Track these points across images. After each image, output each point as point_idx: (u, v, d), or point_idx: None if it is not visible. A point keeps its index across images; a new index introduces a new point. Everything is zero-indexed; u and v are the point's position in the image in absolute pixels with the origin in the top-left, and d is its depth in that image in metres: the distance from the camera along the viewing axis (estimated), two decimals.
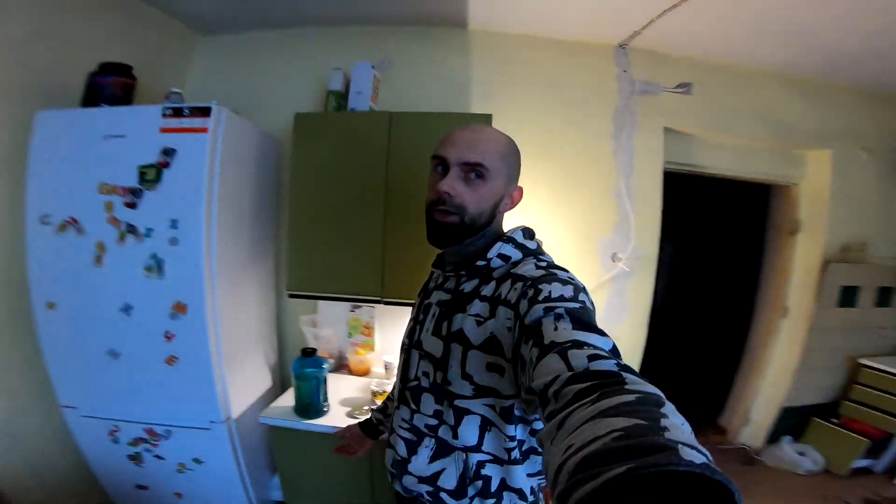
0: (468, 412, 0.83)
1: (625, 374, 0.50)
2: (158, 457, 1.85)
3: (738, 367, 3.33)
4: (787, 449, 2.96)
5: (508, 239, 0.89)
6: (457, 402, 0.84)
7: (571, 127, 2.43)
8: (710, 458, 0.36)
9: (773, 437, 3.08)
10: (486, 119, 1.88)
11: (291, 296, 1.98)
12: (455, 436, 0.85)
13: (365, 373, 2.24)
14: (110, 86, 1.81)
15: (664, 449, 0.35)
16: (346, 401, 1.95)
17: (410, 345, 0.97)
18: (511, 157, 0.91)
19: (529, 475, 0.85)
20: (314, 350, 1.80)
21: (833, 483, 2.77)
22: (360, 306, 2.26)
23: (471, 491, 0.85)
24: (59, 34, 1.84)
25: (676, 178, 2.68)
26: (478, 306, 0.83)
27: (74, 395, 1.81)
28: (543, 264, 0.83)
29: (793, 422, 3.08)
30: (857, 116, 2.74)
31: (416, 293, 1.84)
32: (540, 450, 0.82)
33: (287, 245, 2.01)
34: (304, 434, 1.77)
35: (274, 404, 1.92)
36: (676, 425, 0.40)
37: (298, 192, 1.96)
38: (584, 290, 0.75)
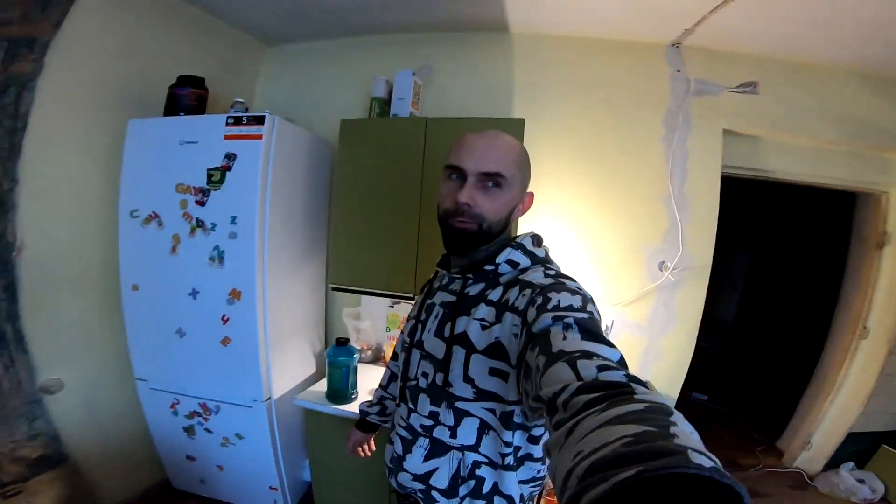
0: (468, 414, 0.84)
1: (634, 385, 0.51)
2: (208, 430, 2.09)
3: (807, 388, 3.06)
4: (845, 475, 2.73)
5: (518, 245, 0.89)
6: (457, 404, 0.85)
7: (617, 130, 2.37)
8: (719, 463, 0.36)
9: (834, 464, 2.84)
10: (519, 124, 1.91)
11: (334, 289, 2.14)
12: (453, 435, 0.86)
13: None
14: (186, 97, 2.07)
15: (673, 453, 0.35)
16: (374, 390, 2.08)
17: (411, 344, 0.98)
18: (525, 163, 0.91)
19: (522, 482, 0.86)
20: (347, 340, 1.95)
21: None
22: (399, 302, 2.39)
23: (462, 490, 0.86)
24: (146, 48, 2.12)
25: (748, 184, 2.52)
26: (483, 310, 0.84)
27: (147, 369, 2.10)
28: (552, 272, 0.83)
29: (858, 448, 2.83)
30: None
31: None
32: (536, 457, 0.85)
33: (332, 242, 2.17)
34: (331, 418, 1.93)
35: (310, 389, 2.10)
36: (685, 432, 0.40)
37: (343, 194, 2.11)
38: (591, 300, 0.76)
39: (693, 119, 2.33)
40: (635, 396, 0.47)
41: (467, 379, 0.82)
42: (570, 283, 0.78)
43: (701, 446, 0.38)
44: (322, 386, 2.08)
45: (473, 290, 0.89)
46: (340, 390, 1.92)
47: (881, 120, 2.38)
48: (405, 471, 0.93)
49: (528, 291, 0.78)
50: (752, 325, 3.53)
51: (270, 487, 2.15)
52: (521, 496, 0.87)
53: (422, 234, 2.00)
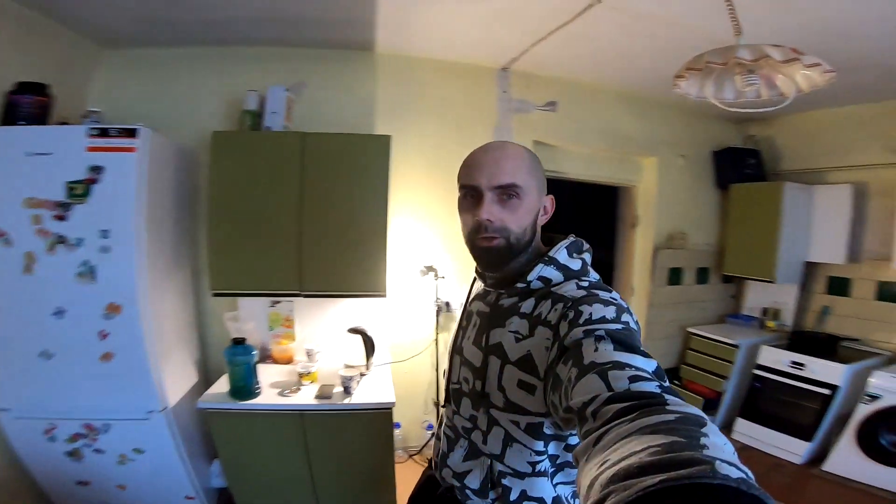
0: (497, 423, 0.86)
1: (667, 396, 0.50)
2: (98, 450, 2.00)
3: None
4: None
5: (550, 260, 0.86)
6: (492, 411, 0.86)
7: (460, 142, 2.87)
8: (751, 475, 0.35)
9: None
10: (385, 140, 2.29)
11: (216, 294, 2.23)
12: (485, 442, 0.88)
13: (288, 361, 2.54)
14: (28, 105, 1.93)
15: (700, 463, 0.35)
16: (275, 384, 2.25)
17: (454, 349, 1.02)
18: (535, 168, 0.89)
19: (562, 483, 0.86)
20: (244, 339, 2.08)
21: None
22: (279, 301, 2.55)
23: (491, 494, 0.89)
24: None
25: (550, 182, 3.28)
26: (517, 323, 0.85)
27: (8, 398, 1.92)
28: (585, 284, 0.83)
29: None
30: (676, 129, 3.55)
31: (332, 286, 2.25)
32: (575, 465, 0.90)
33: (208, 249, 2.25)
34: (240, 415, 2.05)
35: (209, 392, 2.15)
36: (717, 444, 0.39)
37: (218, 202, 2.22)
38: (627, 310, 0.75)
39: (514, 132, 3.00)
40: (667, 407, 0.47)
41: (500, 388, 0.84)
42: (603, 293, 0.77)
43: (733, 458, 0.37)
44: (220, 387, 2.16)
45: (507, 302, 0.90)
46: (245, 386, 2.05)
47: (633, 132, 3.38)
48: (448, 467, 0.97)
49: (559, 306, 0.78)
50: None
51: (186, 497, 2.15)
52: (559, 497, 0.87)
53: (304, 236, 2.24)
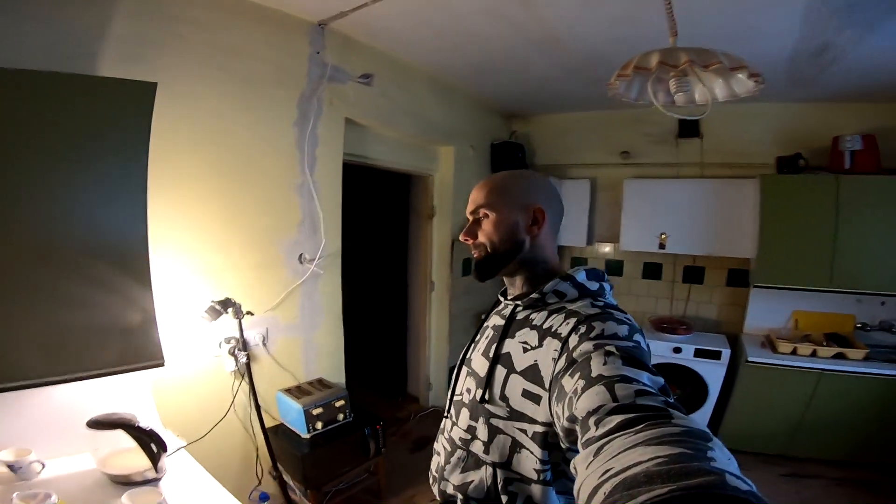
0: (501, 432, 0.85)
1: (672, 411, 0.50)
2: None
3: (406, 340, 3.79)
4: None
5: (567, 277, 0.89)
6: (492, 421, 0.87)
7: (249, 110, 2.05)
8: (756, 490, 0.35)
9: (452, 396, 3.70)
10: (148, 89, 1.41)
11: None
12: (486, 451, 0.87)
13: None
14: None
15: (709, 475, 0.34)
16: None
17: (462, 361, 1.02)
18: (509, 186, 0.96)
19: (562, 493, 0.85)
20: None
21: None
22: None
23: (497, 502, 0.87)
24: None
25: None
26: (527, 334, 0.86)
27: None
28: (601, 303, 0.83)
29: None
30: (468, 119, 3.52)
31: (34, 370, 1.31)
32: (571, 476, 0.78)
33: None
34: None
35: None
36: (723, 458, 0.39)
37: None
38: (640, 331, 0.76)
39: (324, 105, 2.31)
40: (672, 421, 0.47)
41: (503, 397, 0.85)
42: (617, 313, 0.79)
43: (738, 472, 0.38)
44: None
45: (521, 314, 0.92)
46: None
47: (437, 119, 3.14)
48: (447, 480, 0.95)
49: (572, 320, 0.78)
50: (346, 294, 3.97)
51: None
52: None
53: None
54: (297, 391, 2.24)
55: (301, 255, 2.34)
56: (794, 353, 2.80)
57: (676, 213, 3.35)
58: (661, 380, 0.61)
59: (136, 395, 1.66)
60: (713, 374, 3.04)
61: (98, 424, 1.42)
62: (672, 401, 0.54)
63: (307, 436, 2.13)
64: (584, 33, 2.27)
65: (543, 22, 2.15)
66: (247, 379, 2.01)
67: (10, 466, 1.35)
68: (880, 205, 2.70)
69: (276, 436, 2.19)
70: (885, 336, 2.94)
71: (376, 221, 3.91)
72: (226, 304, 1.85)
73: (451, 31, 2.32)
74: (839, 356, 2.72)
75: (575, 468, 0.49)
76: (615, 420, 0.49)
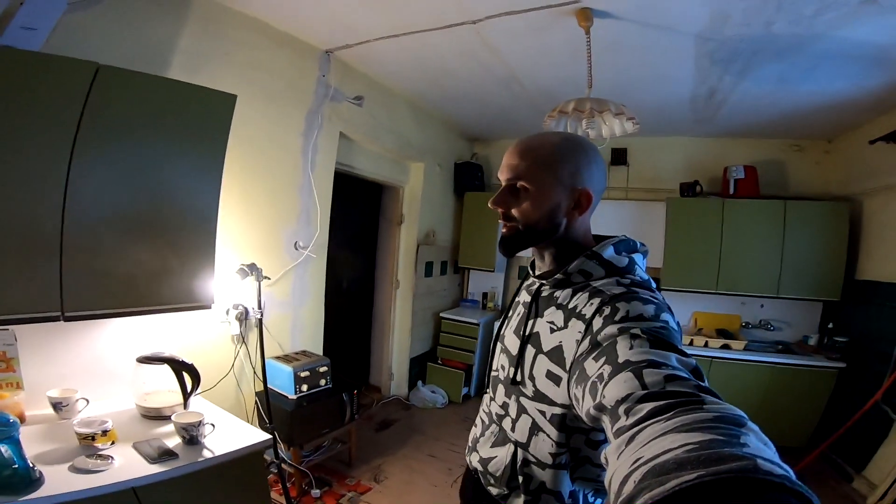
0: (525, 411, 0.86)
1: (703, 395, 0.49)
2: None
3: (371, 332, 4.17)
4: (423, 390, 3.94)
5: (593, 254, 0.84)
6: (521, 400, 0.87)
7: (269, 118, 2.47)
8: (793, 474, 0.34)
9: (412, 384, 4.04)
10: (228, 102, 1.81)
11: None
12: (513, 429, 0.89)
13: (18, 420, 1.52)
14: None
15: (741, 460, 0.34)
16: (42, 457, 1.34)
17: (497, 337, 1.02)
18: (561, 161, 0.84)
19: (580, 479, 0.85)
20: None
21: (460, 409, 3.90)
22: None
23: (512, 483, 0.89)
24: None
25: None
26: (553, 313, 0.84)
27: None
28: (626, 282, 0.79)
29: (419, 369, 4.14)
30: (437, 140, 4.05)
31: (113, 301, 1.66)
32: (595, 461, 0.84)
33: None
34: None
35: None
36: (758, 444, 0.39)
37: None
38: (667, 309, 0.73)
39: (325, 120, 2.76)
40: (704, 406, 0.45)
41: (531, 377, 0.84)
42: (643, 292, 0.75)
43: (775, 457, 0.36)
44: None
45: (547, 292, 0.90)
46: (17, 471, 1.13)
47: (413, 138, 3.66)
48: (477, 451, 0.98)
49: (596, 300, 0.76)
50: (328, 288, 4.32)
51: None
52: (577, 494, 0.86)
53: (66, 238, 1.45)
54: (285, 358, 2.59)
55: (296, 242, 2.74)
56: (690, 344, 3.45)
57: (604, 230, 3.97)
58: (692, 361, 0.59)
59: (168, 346, 1.98)
60: None
61: (147, 360, 1.75)
62: (705, 385, 0.53)
63: (294, 396, 2.47)
64: (537, 74, 2.85)
65: (506, 64, 2.72)
66: (246, 340, 2.35)
67: (56, 405, 1.62)
68: (754, 224, 3.45)
69: (265, 399, 2.52)
70: (764, 333, 3.68)
71: (352, 224, 4.33)
72: (252, 267, 2.24)
73: (433, 67, 2.86)
74: (725, 347, 3.39)
75: (606, 459, 0.48)
76: (645, 408, 0.48)
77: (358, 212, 4.22)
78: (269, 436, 1.70)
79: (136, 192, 1.62)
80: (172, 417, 1.59)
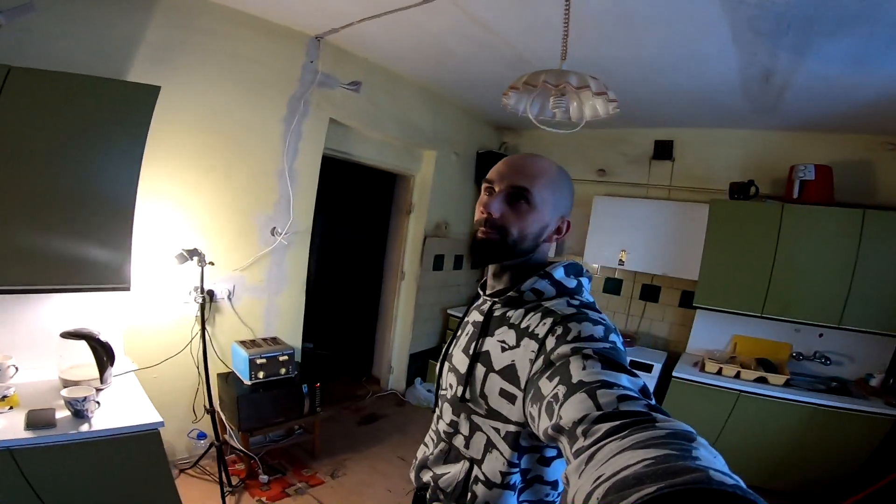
0: (479, 429, 0.87)
1: (655, 414, 0.52)
2: None
3: (376, 323, 4.09)
4: (420, 388, 3.81)
5: (546, 274, 0.87)
6: (472, 417, 0.88)
7: (246, 106, 2.44)
8: (742, 483, 0.37)
9: (410, 381, 3.92)
10: (151, 92, 1.78)
11: None
12: (467, 446, 0.89)
13: None
14: None
15: (695, 472, 0.36)
16: None
17: (444, 357, 1.03)
18: (561, 187, 0.90)
19: (526, 501, 0.86)
20: None
21: None
22: None
23: (461, 499, 0.89)
24: None
25: (331, 161, 3.05)
26: (505, 332, 0.86)
27: None
28: (576, 303, 0.83)
29: (419, 365, 4.00)
30: (455, 128, 3.82)
31: (44, 278, 1.70)
32: (546, 480, 0.87)
33: None
34: None
35: None
36: (708, 457, 0.41)
37: None
38: (615, 330, 0.77)
39: (311, 106, 2.69)
40: (657, 424, 0.48)
41: (482, 395, 0.85)
42: (592, 314, 0.79)
43: (725, 468, 0.39)
44: None
45: (499, 311, 0.91)
46: None
47: (423, 125, 3.46)
48: (428, 468, 0.98)
49: (548, 320, 0.78)
50: (328, 276, 4.31)
51: None
52: None
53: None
54: (250, 344, 2.56)
55: (274, 228, 2.68)
56: (719, 373, 2.91)
57: (639, 232, 3.50)
58: (640, 381, 0.62)
59: (108, 322, 2.01)
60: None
61: (68, 335, 1.77)
62: (654, 403, 0.56)
63: (248, 382, 2.44)
64: (543, 53, 2.45)
65: (506, 41, 2.40)
66: (200, 322, 2.34)
67: None
68: (819, 236, 2.80)
69: (226, 382, 2.52)
70: (818, 367, 3.02)
71: (365, 212, 4.25)
72: (192, 252, 2.21)
73: (429, 47, 2.63)
74: (761, 380, 2.82)
75: (567, 479, 0.50)
76: (602, 428, 0.51)
77: (370, 200, 4.12)
78: (158, 419, 1.67)
79: (53, 182, 1.66)
80: (62, 392, 1.61)
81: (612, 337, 0.73)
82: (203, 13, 2.21)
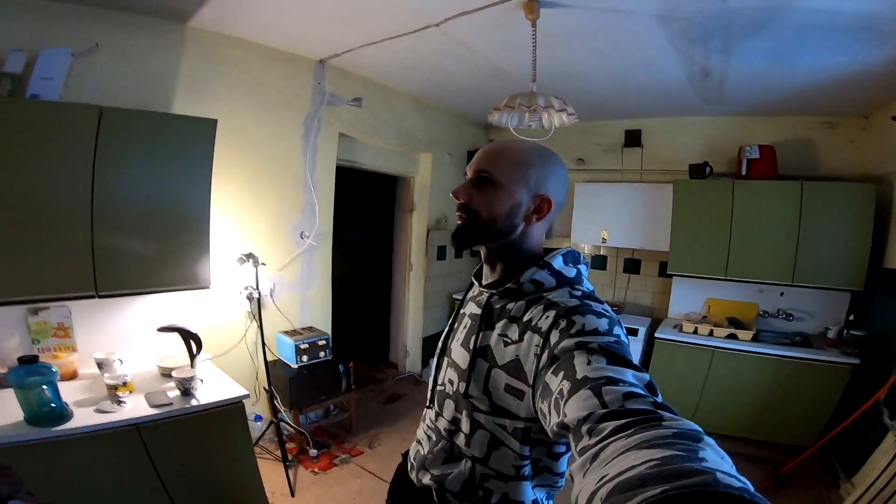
0: (482, 426, 0.85)
1: (661, 412, 0.50)
2: None
3: (390, 311, 4.52)
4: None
5: (544, 264, 0.85)
6: (475, 415, 0.85)
7: (269, 125, 2.83)
8: (751, 486, 0.36)
9: (425, 362, 4.36)
10: (210, 125, 2.15)
11: None
12: (468, 445, 0.87)
13: (72, 376, 2.01)
14: None
15: (702, 474, 0.35)
16: (80, 402, 1.81)
17: (442, 351, 0.99)
18: (530, 165, 0.87)
19: (539, 486, 0.87)
20: (35, 356, 1.60)
21: None
22: (47, 308, 1.99)
23: (472, 497, 0.88)
24: None
25: (340, 170, 3.46)
26: (507, 326, 0.84)
27: None
28: (578, 293, 0.81)
29: (430, 348, 4.39)
30: (446, 130, 4.24)
31: (141, 282, 2.09)
32: (555, 471, 0.87)
33: None
34: (52, 444, 1.59)
35: None
36: (715, 458, 0.40)
37: None
38: (618, 322, 0.75)
39: (323, 123, 3.09)
40: (663, 423, 0.47)
41: (486, 391, 0.83)
42: (596, 305, 0.77)
43: (732, 470, 0.38)
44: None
45: (498, 304, 0.89)
46: (54, 409, 1.60)
47: (418, 131, 3.88)
48: (426, 469, 0.95)
49: (552, 313, 0.77)
50: (343, 273, 4.73)
51: None
52: (538, 501, 0.88)
53: (97, 227, 1.89)
54: (292, 333, 2.98)
55: (302, 232, 3.10)
56: (695, 332, 3.38)
57: (617, 212, 3.97)
58: (646, 376, 0.61)
59: (189, 317, 2.42)
60: (632, 348, 3.62)
61: (164, 329, 2.16)
62: (660, 401, 0.55)
63: (295, 366, 2.85)
64: (520, 64, 2.83)
65: (487, 58, 2.80)
66: (256, 316, 2.75)
67: (99, 364, 2.07)
68: (766, 207, 3.28)
69: (274, 368, 2.93)
70: (782, 323, 3.50)
71: (372, 213, 4.68)
72: (249, 255, 2.63)
73: (421, 65, 3.04)
74: (732, 336, 3.28)
75: (571, 476, 0.49)
76: (607, 427, 0.50)
77: (377, 202, 4.55)
78: (245, 391, 2.07)
79: (142, 201, 2.02)
80: (173, 374, 2.01)
81: (617, 330, 0.73)
82: (222, 44, 2.53)
